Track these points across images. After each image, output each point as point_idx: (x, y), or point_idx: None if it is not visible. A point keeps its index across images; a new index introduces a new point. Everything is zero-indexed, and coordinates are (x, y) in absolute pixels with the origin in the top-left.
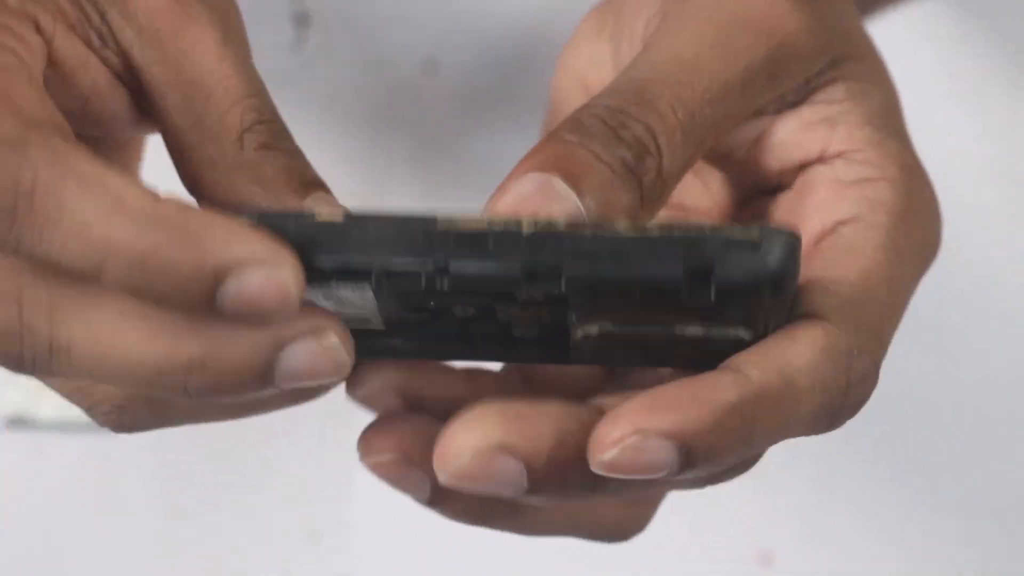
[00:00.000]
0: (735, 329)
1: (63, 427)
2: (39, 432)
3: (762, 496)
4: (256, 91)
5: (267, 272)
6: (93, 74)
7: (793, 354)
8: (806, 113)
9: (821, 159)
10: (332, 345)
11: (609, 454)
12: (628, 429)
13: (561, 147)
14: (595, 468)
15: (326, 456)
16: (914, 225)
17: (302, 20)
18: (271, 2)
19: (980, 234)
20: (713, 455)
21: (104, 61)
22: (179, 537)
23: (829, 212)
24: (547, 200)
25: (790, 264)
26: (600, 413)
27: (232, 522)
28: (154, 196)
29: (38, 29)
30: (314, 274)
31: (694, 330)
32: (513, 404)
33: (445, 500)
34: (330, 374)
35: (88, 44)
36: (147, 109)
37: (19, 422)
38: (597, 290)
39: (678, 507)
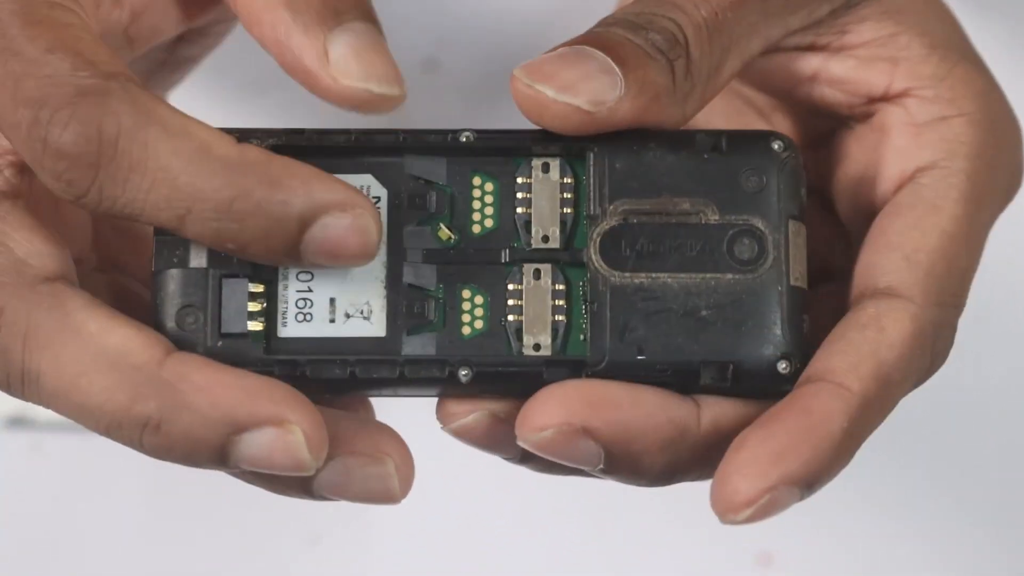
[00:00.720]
0: (751, 216)
1: (63, 427)
2: (39, 432)
3: None
4: None
5: (351, 217)
6: None
7: (884, 349)
8: (861, 51)
9: (886, 97)
10: (295, 441)
11: (744, 514)
12: (759, 487)
13: (591, 34)
14: (728, 523)
15: None
16: (996, 159)
17: None
18: None
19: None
20: (830, 478)
21: None
22: (179, 538)
23: (907, 158)
24: (587, 63)
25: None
26: (696, 407)
27: (232, 523)
28: (236, 142)
29: None
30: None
31: (711, 216)
32: (607, 386)
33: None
34: (288, 470)
35: None
36: None
37: (19, 422)
38: (621, 148)
39: (678, 508)
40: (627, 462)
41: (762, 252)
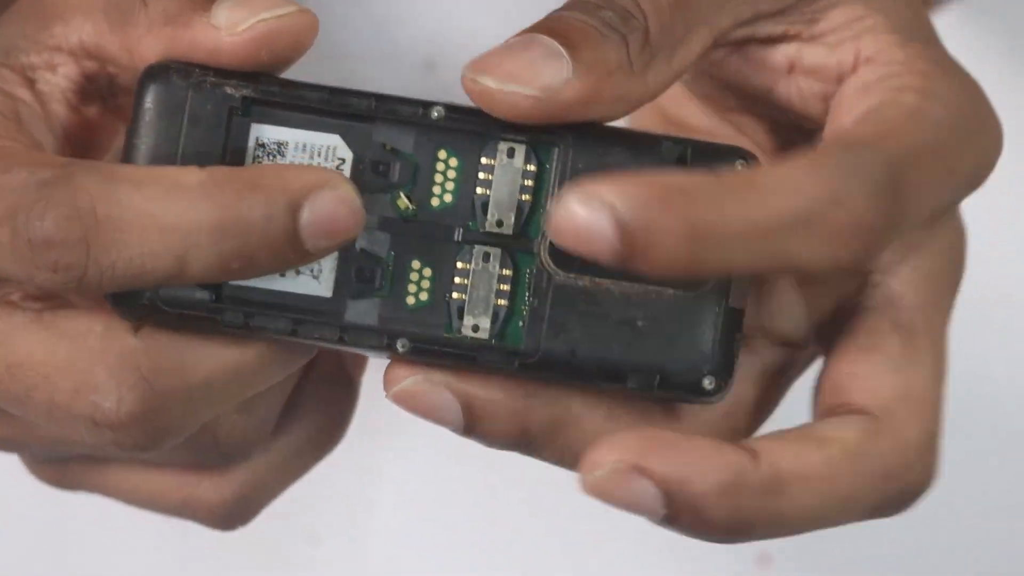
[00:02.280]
0: None
1: None
2: None
3: None
4: None
5: (330, 190)
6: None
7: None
8: (831, 37)
9: (854, 70)
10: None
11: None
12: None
13: (544, 20)
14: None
15: (326, 457)
16: (951, 103)
17: None
18: None
19: (982, 236)
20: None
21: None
22: (178, 538)
23: (855, 105)
24: (532, 50)
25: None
26: (753, 453)
27: None
28: (200, 168)
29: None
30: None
31: None
32: (662, 431)
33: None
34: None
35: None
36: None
37: None
38: (586, 148)
39: None
40: (687, 506)
41: None
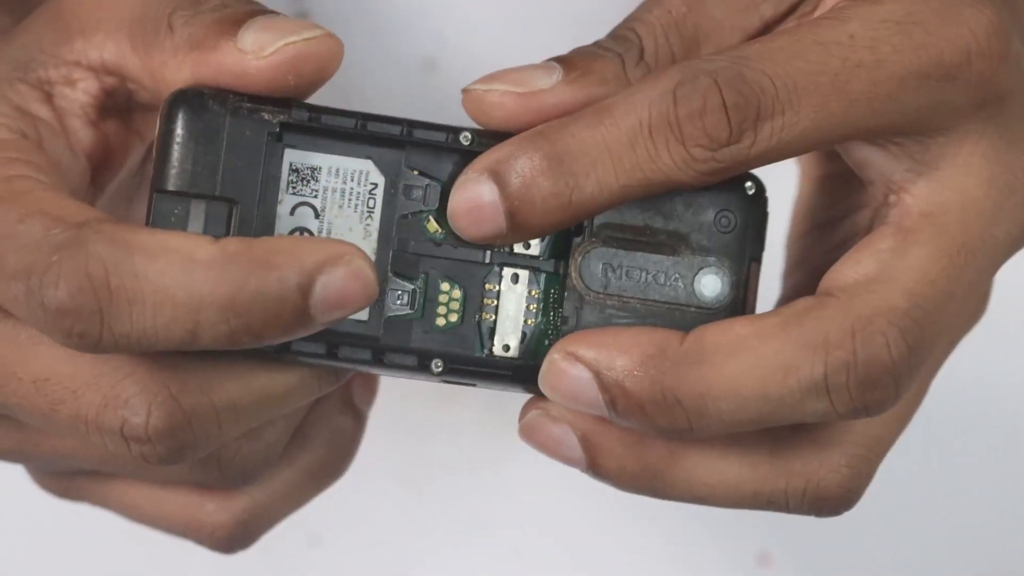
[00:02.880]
0: (719, 256)
1: None
2: None
3: None
4: None
5: (344, 267)
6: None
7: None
8: (917, 169)
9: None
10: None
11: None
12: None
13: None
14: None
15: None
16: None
17: (302, 18)
18: (271, 2)
19: None
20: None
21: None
22: (179, 538)
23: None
24: (527, 68)
25: (763, 191)
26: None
27: None
28: (212, 239)
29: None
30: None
31: (685, 250)
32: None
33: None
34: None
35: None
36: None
37: None
38: None
39: (677, 507)
40: (614, 384)
41: (723, 291)
